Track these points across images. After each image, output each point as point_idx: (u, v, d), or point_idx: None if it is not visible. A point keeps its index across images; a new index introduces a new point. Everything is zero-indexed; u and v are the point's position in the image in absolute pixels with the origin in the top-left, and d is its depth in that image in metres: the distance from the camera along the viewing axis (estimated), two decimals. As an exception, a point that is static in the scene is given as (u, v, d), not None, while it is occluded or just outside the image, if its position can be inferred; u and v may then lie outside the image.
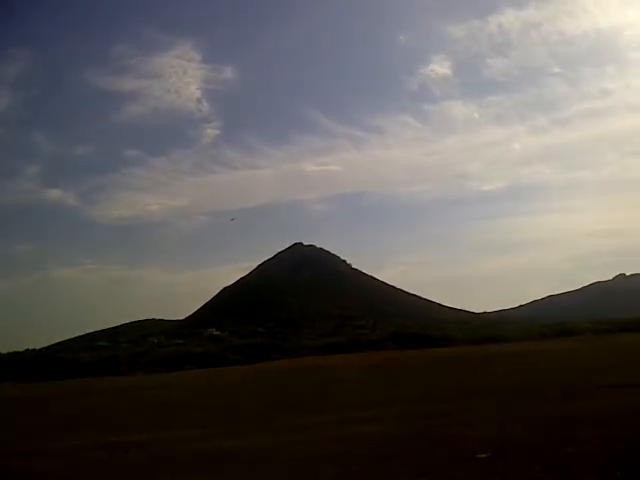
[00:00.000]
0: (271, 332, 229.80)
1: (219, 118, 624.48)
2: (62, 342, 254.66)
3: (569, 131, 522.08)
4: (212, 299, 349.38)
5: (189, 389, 69.59)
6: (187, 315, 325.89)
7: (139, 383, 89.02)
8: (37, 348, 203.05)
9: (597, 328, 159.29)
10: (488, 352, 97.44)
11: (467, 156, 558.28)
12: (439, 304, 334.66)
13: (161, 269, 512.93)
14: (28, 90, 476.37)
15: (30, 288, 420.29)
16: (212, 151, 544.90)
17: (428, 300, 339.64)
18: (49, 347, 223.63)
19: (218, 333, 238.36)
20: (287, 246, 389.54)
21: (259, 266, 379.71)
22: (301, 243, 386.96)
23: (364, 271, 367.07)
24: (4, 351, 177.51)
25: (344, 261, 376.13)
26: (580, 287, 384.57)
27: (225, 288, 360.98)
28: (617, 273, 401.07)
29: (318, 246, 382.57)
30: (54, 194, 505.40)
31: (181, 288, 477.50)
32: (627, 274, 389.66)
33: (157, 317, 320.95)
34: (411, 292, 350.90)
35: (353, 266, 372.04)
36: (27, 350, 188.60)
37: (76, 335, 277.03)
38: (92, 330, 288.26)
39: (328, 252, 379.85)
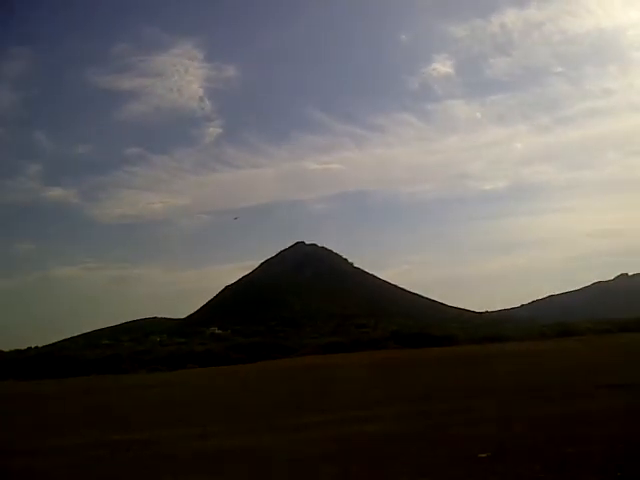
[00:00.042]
0: (273, 331, 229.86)
1: (221, 117, 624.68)
2: (64, 340, 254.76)
3: (571, 131, 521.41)
4: (214, 298, 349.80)
5: (191, 388, 69.69)
6: (189, 314, 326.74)
7: (141, 381, 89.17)
8: (40, 346, 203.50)
9: (598, 328, 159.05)
10: (489, 351, 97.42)
11: (469, 155, 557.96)
12: (441, 303, 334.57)
13: (163, 268, 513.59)
14: (29, 89, 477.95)
15: (32, 287, 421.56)
16: (214, 150, 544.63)
17: (430, 299, 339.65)
18: (51, 345, 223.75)
19: (220, 332, 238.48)
20: (289, 245, 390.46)
21: (261, 265, 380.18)
22: (303, 242, 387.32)
23: (366, 270, 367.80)
24: (6, 349, 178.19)
25: (346, 260, 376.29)
26: (581, 287, 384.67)
27: (227, 287, 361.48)
28: (618, 273, 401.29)
29: (320, 245, 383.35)
30: (55, 193, 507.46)
31: (183, 287, 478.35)
32: (629, 274, 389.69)
33: (159, 316, 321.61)
34: (413, 291, 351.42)
35: (355, 265, 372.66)
36: (30, 348, 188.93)
37: (78, 333, 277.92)
38: (94, 328, 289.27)
39: (330, 251, 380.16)
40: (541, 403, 26.36)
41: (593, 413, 21.87)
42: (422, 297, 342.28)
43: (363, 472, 15.51)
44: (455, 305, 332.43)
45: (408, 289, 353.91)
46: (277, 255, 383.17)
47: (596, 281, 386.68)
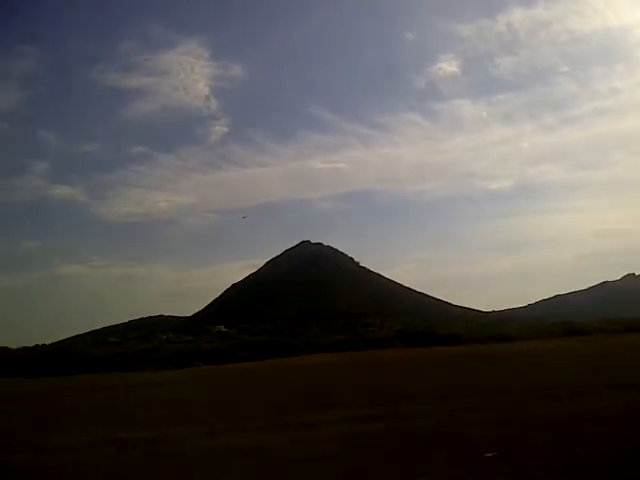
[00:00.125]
0: (279, 329, 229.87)
1: (227, 115, 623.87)
2: (71, 338, 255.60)
3: (578, 130, 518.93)
4: (220, 296, 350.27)
5: (198, 386, 69.86)
6: (196, 312, 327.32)
7: (149, 379, 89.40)
8: (47, 344, 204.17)
9: (605, 328, 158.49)
10: (495, 351, 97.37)
11: (475, 155, 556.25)
12: (447, 302, 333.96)
13: (170, 266, 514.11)
14: (36, 87, 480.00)
15: (39, 285, 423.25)
16: (220, 148, 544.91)
17: (436, 298, 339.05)
18: (59, 343, 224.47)
19: (226, 330, 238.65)
20: (295, 244, 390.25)
21: (267, 263, 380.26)
22: (309, 241, 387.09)
23: (372, 269, 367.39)
24: (14, 347, 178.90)
25: (352, 259, 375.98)
26: (588, 287, 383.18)
27: (233, 285, 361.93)
28: (625, 273, 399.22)
29: (326, 244, 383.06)
30: (62, 191, 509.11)
31: (190, 285, 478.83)
32: (636, 274, 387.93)
33: (166, 314, 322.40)
34: (419, 290, 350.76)
35: (361, 264, 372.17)
36: (37, 346, 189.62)
37: (85, 331, 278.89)
38: (101, 326, 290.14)
39: (336, 250, 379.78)
40: (549, 402, 26.34)
41: (601, 413, 21.85)
42: (428, 296, 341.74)
43: (369, 470, 15.57)
44: (461, 304, 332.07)
45: (414, 288, 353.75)
46: (283, 254, 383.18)
47: (603, 281, 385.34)
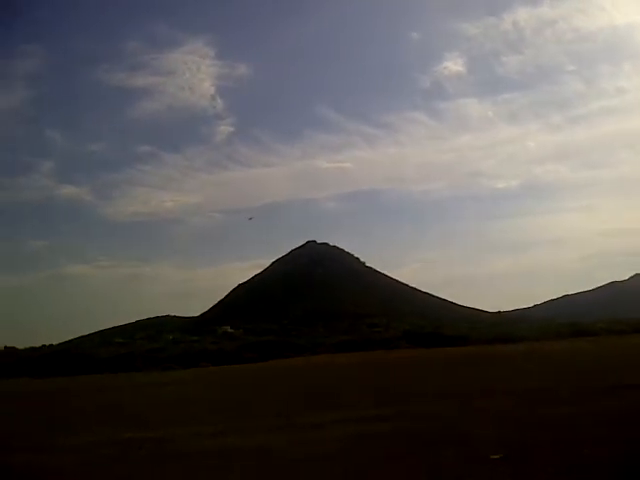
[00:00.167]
0: (285, 330, 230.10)
1: (233, 115, 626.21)
2: (78, 338, 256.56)
3: (584, 129, 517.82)
4: (226, 296, 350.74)
5: (204, 386, 69.97)
6: (202, 312, 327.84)
7: (155, 379, 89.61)
8: (54, 344, 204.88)
9: (612, 328, 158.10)
10: (501, 351, 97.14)
11: (481, 154, 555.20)
12: (453, 303, 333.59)
13: (176, 266, 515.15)
14: (41, 87, 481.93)
15: (45, 285, 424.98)
16: (226, 148, 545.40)
17: (442, 299, 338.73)
18: (65, 343, 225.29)
19: (232, 330, 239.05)
20: (301, 244, 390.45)
21: (273, 264, 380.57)
22: (315, 241, 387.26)
23: (378, 269, 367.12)
24: (21, 347, 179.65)
25: (358, 259, 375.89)
26: (596, 287, 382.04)
27: (239, 285, 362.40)
28: (633, 273, 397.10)
29: (332, 244, 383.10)
30: (68, 190, 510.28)
31: (196, 285, 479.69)
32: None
33: (172, 314, 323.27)
34: (425, 290, 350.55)
35: (367, 264, 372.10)
36: (44, 346, 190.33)
37: (92, 331, 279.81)
38: (107, 326, 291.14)
39: (342, 250, 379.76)
40: (556, 404, 26.20)
41: (608, 414, 21.74)
42: (434, 297, 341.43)
43: (374, 471, 15.53)
44: (468, 305, 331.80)
45: (420, 288, 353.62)
46: (289, 254, 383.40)
47: (610, 281, 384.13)
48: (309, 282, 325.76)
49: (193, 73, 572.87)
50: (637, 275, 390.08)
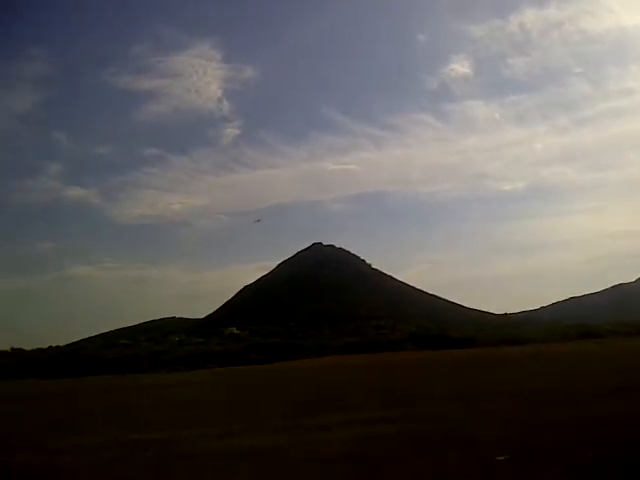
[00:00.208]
0: (291, 332, 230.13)
1: (239, 117, 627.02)
2: (84, 340, 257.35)
3: (591, 131, 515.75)
4: (232, 298, 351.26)
5: (209, 387, 70.04)
6: (208, 314, 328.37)
7: (160, 381, 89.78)
8: (61, 345, 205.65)
9: (619, 330, 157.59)
10: (508, 353, 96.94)
11: (488, 156, 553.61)
12: (460, 305, 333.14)
13: (182, 268, 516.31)
14: (49, 90, 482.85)
15: (52, 286, 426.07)
16: (232, 150, 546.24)
17: (448, 301, 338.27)
18: (72, 344, 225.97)
19: (238, 332, 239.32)
20: (307, 246, 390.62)
21: (279, 265, 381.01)
22: (321, 243, 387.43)
23: (384, 271, 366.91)
24: (28, 348, 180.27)
25: (364, 261, 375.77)
26: (603, 289, 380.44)
27: (245, 287, 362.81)
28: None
29: (338, 246, 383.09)
30: (76, 193, 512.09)
31: (202, 287, 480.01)
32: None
33: (178, 315, 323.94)
34: (431, 293, 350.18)
35: (373, 266, 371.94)
36: (51, 347, 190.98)
37: (98, 333, 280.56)
38: (114, 328, 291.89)
39: (348, 252, 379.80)
40: (562, 406, 26.15)
41: (614, 416, 21.68)
42: (441, 299, 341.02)
43: (380, 473, 15.54)
44: (474, 307, 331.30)
45: (427, 290, 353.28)
46: (295, 256, 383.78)
47: (617, 283, 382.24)
48: (315, 284, 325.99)
49: (200, 76, 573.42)
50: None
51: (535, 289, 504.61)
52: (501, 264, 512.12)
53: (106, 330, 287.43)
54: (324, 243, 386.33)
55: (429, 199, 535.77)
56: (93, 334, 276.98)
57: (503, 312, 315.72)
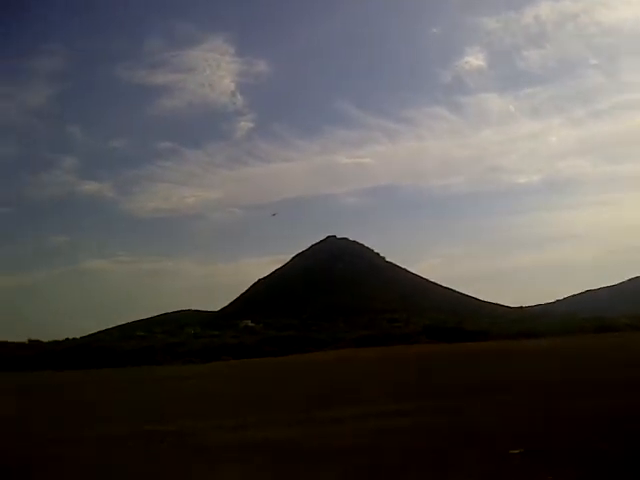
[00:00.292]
0: (305, 324, 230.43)
1: (253, 111, 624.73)
2: (100, 332, 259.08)
3: (607, 123, 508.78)
4: (247, 291, 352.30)
5: (224, 379, 70.37)
6: (223, 306, 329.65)
7: (176, 373, 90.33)
8: (77, 337, 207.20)
9: (636, 324, 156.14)
10: (523, 346, 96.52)
11: (502, 149, 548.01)
12: (474, 298, 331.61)
13: (196, 261, 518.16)
14: (64, 84, 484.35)
15: (67, 279, 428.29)
16: (246, 144, 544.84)
17: (462, 294, 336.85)
18: (88, 337, 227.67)
19: (253, 325, 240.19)
20: (321, 239, 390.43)
21: (293, 258, 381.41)
22: (335, 236, 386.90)
23: (398, 264, 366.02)
24: (45, 340, 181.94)
25: (378, 254, 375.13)
26: (618, 282, 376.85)
27: (260, 280, 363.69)
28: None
29: (352, 239, 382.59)
30: (90, 186, 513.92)
31: (216, 280, 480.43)
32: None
33: (193, 308, 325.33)
34: (445, 285, 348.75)
35: (387, 259, 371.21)
36: (67, 339, 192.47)
37: (113, 325, 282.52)
38: (129, 320, 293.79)
39: (362, 245, 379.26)
40: (578, 398, 26.01)
41: (629, 409, 21.54)
42: (455, 291, 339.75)
43: (391, 466, 15.55)
44: (489, 300, 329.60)
45: (441, 283, 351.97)
46: (309, 249, 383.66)
47: (633, 276, 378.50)
48: (329, 277, 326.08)
49: (213, 70, 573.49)
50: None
51: (551, 282, 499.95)
52: (516, 257, 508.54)
53: (122, 322, 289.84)
54: (338, 236, 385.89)
55: (443, 192, 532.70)
56: (109, 326, 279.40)
57: (518, 305, 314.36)
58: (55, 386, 74.80)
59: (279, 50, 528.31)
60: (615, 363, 48.30)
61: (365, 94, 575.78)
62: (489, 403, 26.96)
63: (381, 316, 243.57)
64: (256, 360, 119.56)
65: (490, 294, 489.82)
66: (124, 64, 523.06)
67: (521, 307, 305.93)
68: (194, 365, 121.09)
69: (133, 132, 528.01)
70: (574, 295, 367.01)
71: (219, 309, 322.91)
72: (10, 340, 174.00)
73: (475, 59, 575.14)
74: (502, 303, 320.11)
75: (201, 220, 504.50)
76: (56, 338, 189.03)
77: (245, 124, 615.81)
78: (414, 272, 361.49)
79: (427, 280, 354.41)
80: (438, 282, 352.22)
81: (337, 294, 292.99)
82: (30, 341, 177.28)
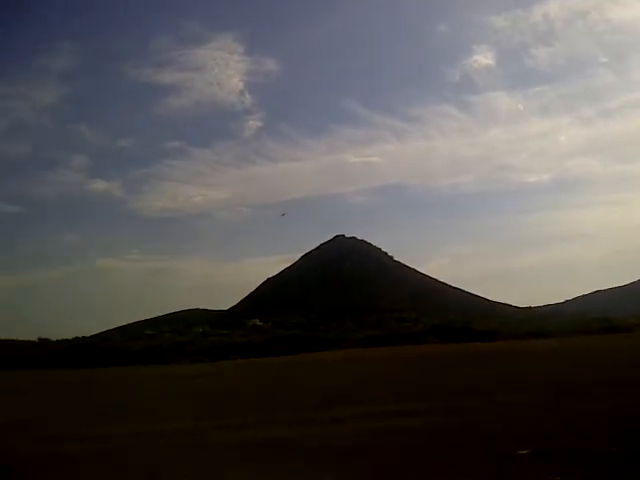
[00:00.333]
0: (313, 324, 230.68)
1: (261, 110, 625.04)
2: (109, 330, 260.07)
3: (617, 122, 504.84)
4: (255, 290, 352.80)
5: (232, 379, 70.43)
6: (231, 306, 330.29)
7: (184, 372, 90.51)
8: (86, 336, 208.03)
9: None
10: (532, 347, 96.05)
11: (511, 148, 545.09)
12: (483, 298, 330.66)
13: (205, 260, 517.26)
14: (73, 84, 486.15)
15: (76, 277, 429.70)
16: (254, 143, 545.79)
17: (471, 294, 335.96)
18: (96, 335, 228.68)
19: (261, 324, 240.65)
20: (329, 238, 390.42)
21: (301, 258, 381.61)
22: (343, 235, 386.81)
23: (406, 264, 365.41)
24: (54, 338, 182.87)
25: (386, 253, 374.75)
26: (628, 282, 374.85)
27: (268, 279, 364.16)
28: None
29: (360, 238, 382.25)
30: (99, 185, 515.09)
31: (225, 279, 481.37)
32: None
33: (201, 307, 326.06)
34: (454, 285, 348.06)
35: (395, 259, 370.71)
36: (76, 338, 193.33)
37: (122, 324, 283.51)
38: (138, 319, 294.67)
39: (370, 244, 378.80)
40: (586, 399, 25.79)
41: (637, 410, 21.33)
42: (464, 291, 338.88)
43: (394, 466, 15.42)
44: (498, 300, 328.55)
45: (449, 283, 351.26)
46: (317, 248, 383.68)
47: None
48: (337, 276, 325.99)
49: (222, 69, 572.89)
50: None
51: (560, 282, 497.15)
52: (525, 256, 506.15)
53: (130, 321, 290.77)
54: (346, 235, 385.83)
55: (452, 191, 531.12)
56: (117, 325, 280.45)
57: (527, 305, 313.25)
58: (64, 385, 75.06)
59: (288, 49, 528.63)
60: (625, 363, 47.93)
61: (372, 93, 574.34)
62: (496, 403, 26.77)
63: (389, 316, 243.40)
64: (264, 359, 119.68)
65: (499, 294, 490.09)
66: (132, 63, 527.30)
67: (530, 307, 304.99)
68: (202, 364, 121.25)
69: (141, 131, 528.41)
70: (583, 295, 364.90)
71: (228, 308, 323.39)
72: (20, 338, 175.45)
73: (484, 57, 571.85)
74: (511, 303, 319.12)
75: (209, 219, 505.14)
76: (65, 337, 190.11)
77: (253, 123, 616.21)
78: (423, 272, 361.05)
79: (436, 280, 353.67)
80: (447, 282, 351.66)
81: (345, 293, 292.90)
82: (40, 339, 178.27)
